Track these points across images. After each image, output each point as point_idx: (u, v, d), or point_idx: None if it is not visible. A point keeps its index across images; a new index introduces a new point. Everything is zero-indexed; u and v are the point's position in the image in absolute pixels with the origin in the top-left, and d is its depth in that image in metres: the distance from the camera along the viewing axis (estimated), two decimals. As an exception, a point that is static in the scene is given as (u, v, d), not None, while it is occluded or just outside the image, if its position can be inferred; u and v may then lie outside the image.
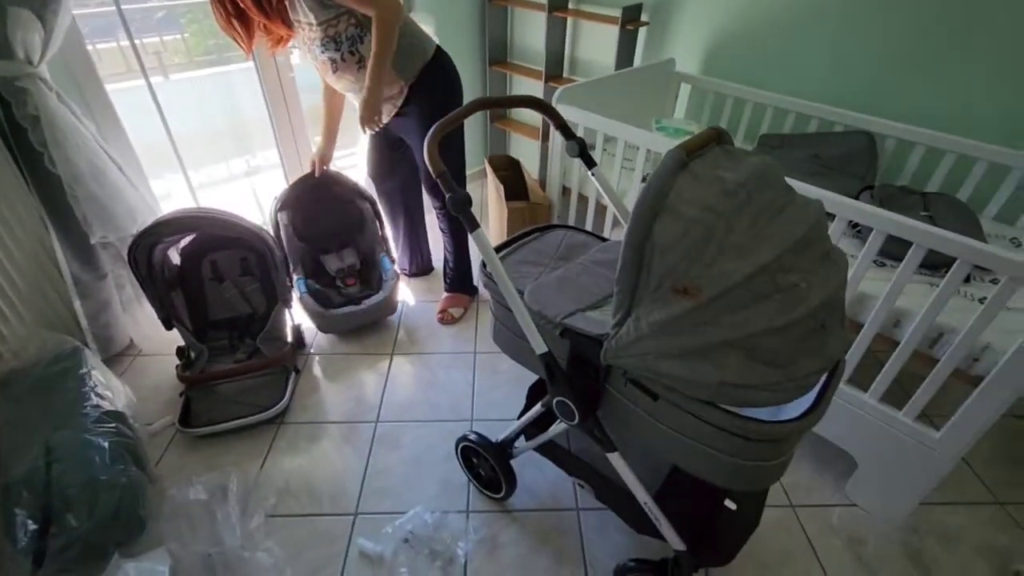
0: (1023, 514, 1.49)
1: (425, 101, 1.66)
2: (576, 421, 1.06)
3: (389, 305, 2.02)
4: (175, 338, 1.80)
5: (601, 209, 1.85)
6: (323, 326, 2.00)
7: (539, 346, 1.02)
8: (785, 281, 0.79)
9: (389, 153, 1.94)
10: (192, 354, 1.80)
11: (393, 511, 1.45)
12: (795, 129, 1.93)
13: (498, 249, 1.24)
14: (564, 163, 1.91)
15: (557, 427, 1.21)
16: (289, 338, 1.89)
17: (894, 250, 1.25)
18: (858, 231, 1.56)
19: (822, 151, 1.79)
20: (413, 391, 1.84)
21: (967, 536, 1.43)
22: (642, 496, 1.11)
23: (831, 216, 1.25)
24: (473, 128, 2.99)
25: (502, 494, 1.44)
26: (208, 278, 1.95)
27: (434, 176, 0.94)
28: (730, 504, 1.22)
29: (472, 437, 1.40)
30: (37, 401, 1.51)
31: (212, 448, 1.62)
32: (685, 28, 2.18)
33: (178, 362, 1.77)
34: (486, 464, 1.42)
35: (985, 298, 1.10)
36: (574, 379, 1.03)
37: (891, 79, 1.77)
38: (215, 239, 1.90)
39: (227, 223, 1.72)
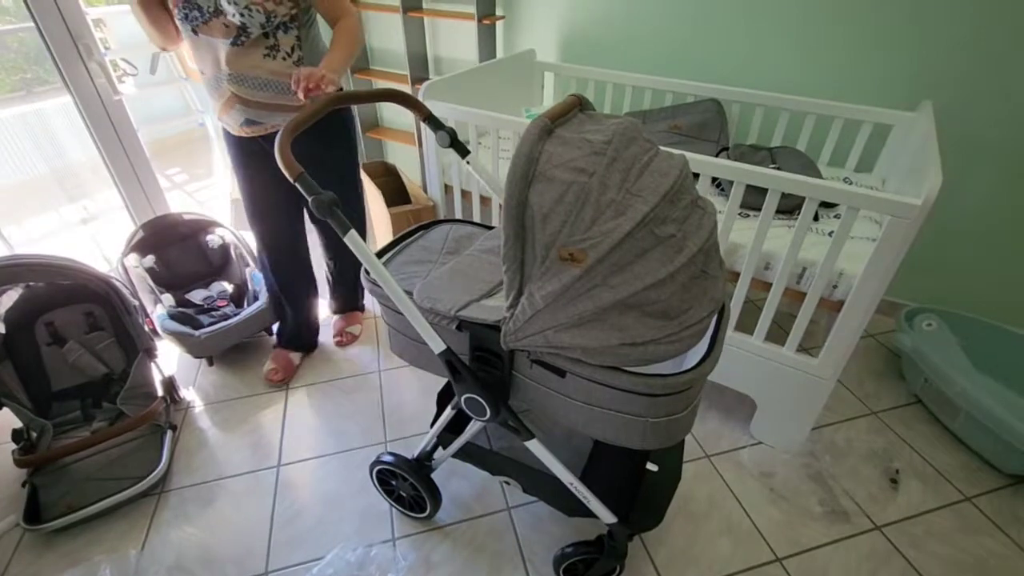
0: (892, 419, 1.70)
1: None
2: (488, 416, 1.01)
3: (266, 316, 1.85)
4: (10, 420, 1.49)
5: (486, 202, 1.83)
6: (195, 350, 1.77)
7: (437, 345, 0.96)
8: (663, 232, 0.80)
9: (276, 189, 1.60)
10: (33, 434, 1.50)
11: (310, 559, 1.31)
12: (653, 104, 2.05)
13: (381, 253, 1.16)
14: (442, 161, 1.86)
15: (473, 427, 1.16)
16: (159, 392, 1.65)
17: (754, 201, 1.35)
18: (720, 188, 1.68)
19: (679, 121, 1.91)
20: (317, 425, 1.68)
21: (853, 447, 1.59)
22: (567, 478, 1.09)
23: (696, 176, 1.33)
24: None
25: (427, 512, 1.35)
26: (45, 343, 1.64)
27: (292, 180, 0.84)
28: (652, 467, 1.24)
29: (386, 459, 1.30)
30: None
31: (75, 540, 1.35)
32: (540, 19, 2.24)
33: (15, 446, 1.46)
34: (406, 484, 1.33)
35: (833, 231, 1.21)
36: (479, 372, 0.98)
37: (730, 48, 1.94)
38: (47, 295, 1.61)
39: (57, 269, 1.46)
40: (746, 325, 1.47)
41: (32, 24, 1.70)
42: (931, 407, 1.69)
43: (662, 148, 0.92)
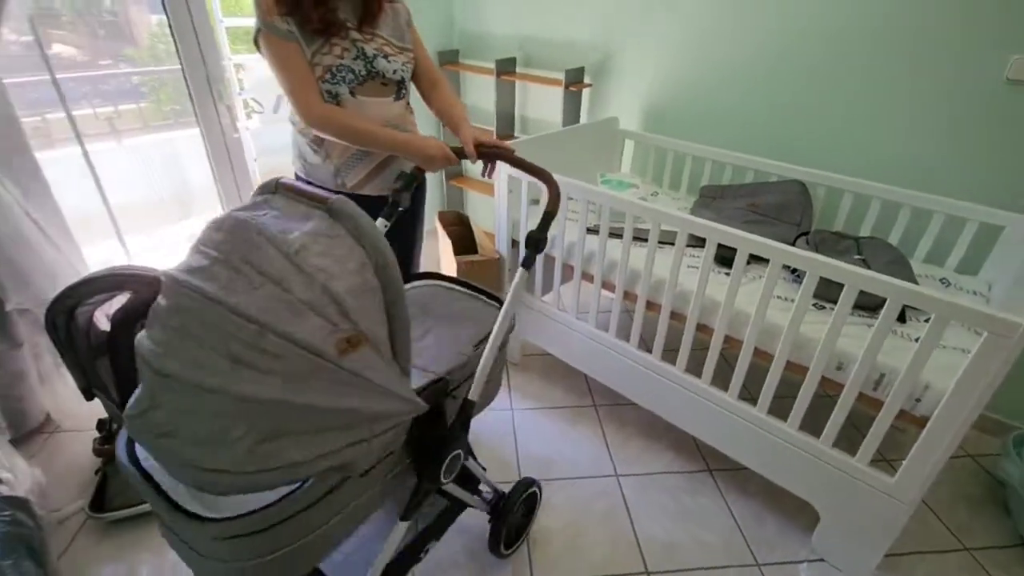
0: (990, 561, 1.45)
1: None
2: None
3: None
4: (98, 411, 1.66)
5: (550, 260, 1.85)
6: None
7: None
8: None
9: None
10: (114, 426, 1.65)
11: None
12: (733, 180, 2.01)
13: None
14: (513, 216, 1.92)
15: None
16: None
17: (833, 293, 1.26)
18: (796, 275, 1.58)
19: (759, 200, 1.85)
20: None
21: (937, 588, 1.38)
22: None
23: (766, 261, 1.27)
24: (430, 189, 3.02)
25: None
26: (141, 344, 1.83)
27: None
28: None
29: None
30: (-76, 489, 1.35)
31: (128, 535, 1.45)
32: (626, 88, 2.29)
33: (98, 435, 1.62)
34: None
35: (920, 337, 1.10)
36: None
37: (820, 131, 1.87)
38: (148, 303, 1.80)
39: (157, 281, 1.64)
40: (813, 423, 1.35)
41: (179, 68, 2.01)
42: (1042, 555, 1.43)
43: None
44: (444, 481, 1.04)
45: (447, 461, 1.01)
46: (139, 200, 3.19)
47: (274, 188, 0.81)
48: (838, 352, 1.30)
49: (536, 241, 1.06)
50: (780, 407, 1.39)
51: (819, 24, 1.77)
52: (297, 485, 0.76)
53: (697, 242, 1.57)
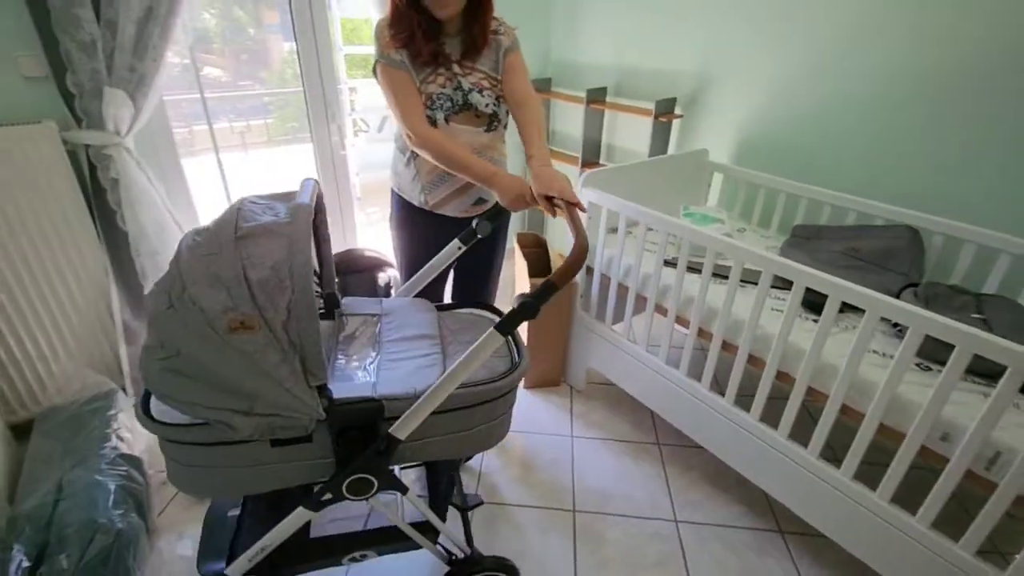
0: None
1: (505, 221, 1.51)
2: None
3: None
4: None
5: (623, 290, 1.82)
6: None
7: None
8: None
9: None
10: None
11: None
12: (831, 221, 1.87)
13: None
14: (591, 243, 1.92)
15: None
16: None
17: (941, 354, 1.13)
18: (898, 330, 1.43)
19: (860, 244, 1.70)
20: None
21: None
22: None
23: (861, 311, 1.17)
24: (511, 163, 3.03)
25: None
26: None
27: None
28: None
29: None
30: (64, 438, 1.58)
31: (213, 504, 1.61)
32: (719, 121, 2.23)
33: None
34: None
35: (1045, 415, 0.96)
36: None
37: (938, 173, 1.70)
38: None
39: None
40: (908, 496, 1.20)
41: (301, 90, 2.26)
42: None
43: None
44: (349, 496, 1.02)
45: (349, 479, 0.99)
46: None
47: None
48: (943, 421, 1.15)
49: (525, 308, 0.90)
50: (869, 473, 1.26)
51: (936, 61, 1.62)
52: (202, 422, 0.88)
53: (783, 284, 1.48)
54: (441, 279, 1.68)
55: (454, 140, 1.35)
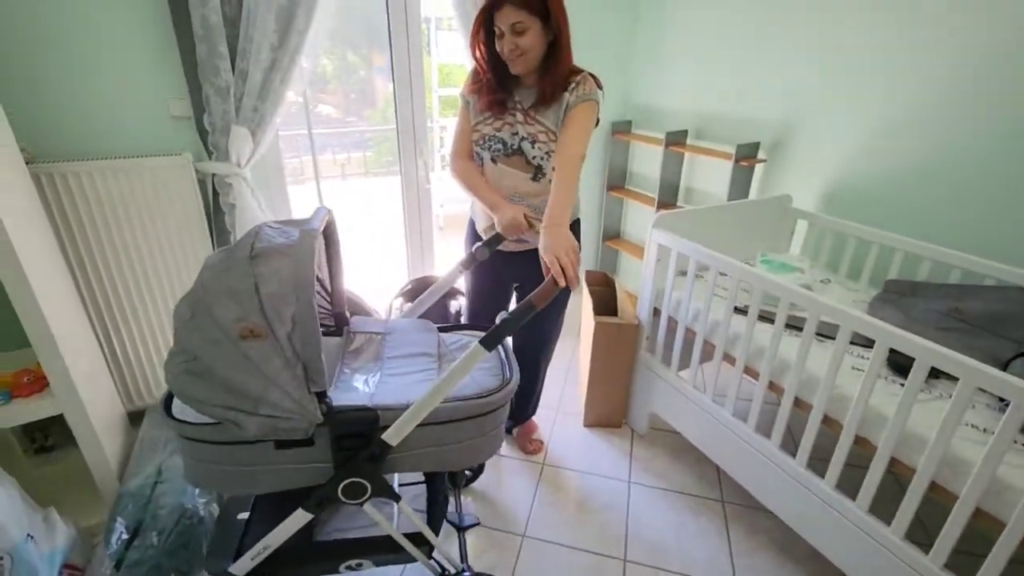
0: None
1: None
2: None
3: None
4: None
5: (691, 333, 1.77)
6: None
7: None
8: None
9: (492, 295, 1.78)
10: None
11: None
12: (931, 277, 1.71)
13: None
14: (658, 286, 1.90)
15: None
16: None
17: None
18: (1003, 403, 1.27)
19: (965, 305, 1.55)
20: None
21: None
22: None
23: (955, 379, 1.07)
24: (588, 203, 3.04)
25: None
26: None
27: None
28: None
29: None
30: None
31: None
32: (805, 165, 2.14)
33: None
34: None
35: None
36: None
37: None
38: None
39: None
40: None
41: (394, 128, 2.47)
42: None
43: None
44: (343, 499, 1.08)
45: (344, 482, 1.06)
46: (343, 228, 3.94)
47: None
48: (1055, 513, 1.01)
49: (506, 324, 1.01)
50: (962, 565, 1.12)
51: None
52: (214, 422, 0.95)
53: (867, 342, 1.37)
54: (499, 309, 1.76)
55: (477, 174, 1.54)
